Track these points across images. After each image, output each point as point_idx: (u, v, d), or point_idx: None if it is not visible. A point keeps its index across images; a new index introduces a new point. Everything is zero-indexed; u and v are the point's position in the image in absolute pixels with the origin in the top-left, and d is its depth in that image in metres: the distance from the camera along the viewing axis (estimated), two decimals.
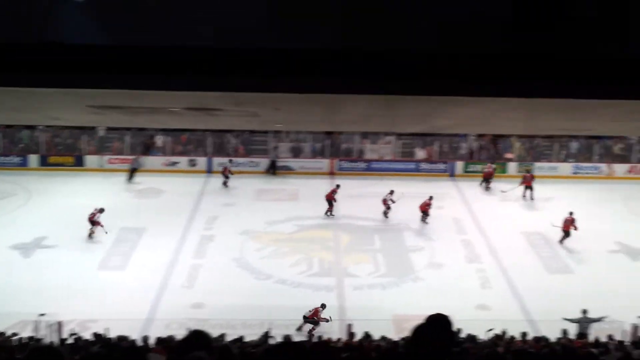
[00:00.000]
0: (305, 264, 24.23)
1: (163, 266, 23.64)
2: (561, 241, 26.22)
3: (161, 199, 30.60)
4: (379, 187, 31.55)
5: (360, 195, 31.35)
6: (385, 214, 28.67)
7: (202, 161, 35.14)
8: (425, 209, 28.25)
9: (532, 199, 31.17)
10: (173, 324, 19.11)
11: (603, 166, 34.74)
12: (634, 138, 34.06)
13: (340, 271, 23.78)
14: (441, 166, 35.17)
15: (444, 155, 35.74)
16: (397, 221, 28.25)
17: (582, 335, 18.66)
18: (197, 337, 4.93)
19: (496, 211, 29.19)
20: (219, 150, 35.73)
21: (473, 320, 18.48)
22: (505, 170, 34.83)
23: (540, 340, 16.90)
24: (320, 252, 25.34)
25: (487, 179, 32.86)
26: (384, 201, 28.77)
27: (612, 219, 28.54)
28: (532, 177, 31.75)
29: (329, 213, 28.99)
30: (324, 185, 32.41)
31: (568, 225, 26.26)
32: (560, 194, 31.58)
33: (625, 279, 23.21)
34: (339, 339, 16.97)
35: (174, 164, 35.10)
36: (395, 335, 18.04)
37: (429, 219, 28.11)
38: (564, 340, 17.18)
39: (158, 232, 26.44)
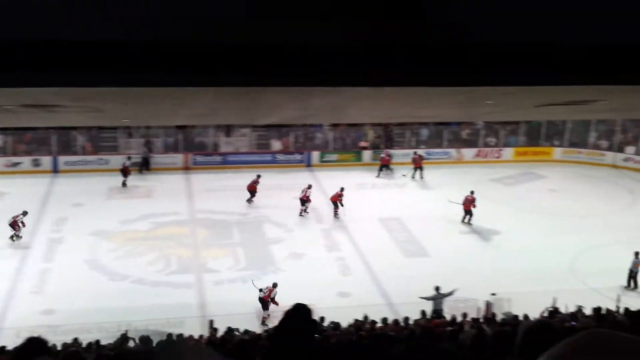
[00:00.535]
0: (163, 262, 23.50)
1: (9, 272, 22.22)
2: (463, 220, 27.22)
3: (3, 203, 28.70)
4: (235, 180, 31.17)
5: (217, 188, 30.85)
6: (335, 214, 28.14)
7: (46, 160, 33.35)
8: (336, 200, 28.12)
9: (421, 177, 32.56)
10: (23, 332, 17.93)
11: (452, 151, 35.99)
12: (480, 123, 35.50)
13: (199, 267, 23.23)
14: (297, 157, 35.22)
15: (300, 146, 35.83)
16: (257, 213, 27.99)
17: (437, 312, 19.18)
18: (32, 344, 4.50)
19: (354, 199, 29.49)
20: (64, 148, 34.04)
21: (335, 308, 18.64)
22: (361, 159, 35.35)
23: (399, 323, 17.23)
24: (178, 248, 24.66)
25: (385, 165, 33.62)
26: (305, 197, 28.39)
27: (462, 200, 29.52)
28: (421, 158, 33.01)
29: (250, 201, 28.94)
30: (179, 181, 31.66)
31: (468, 205, 27.21)
32: (413, 179, 32.44)
33: (478, 259, 24.09)
34: (200, 336, 16.55)
35: (16, 164, 33.10)
36: (259, 328, 17.83)
37: (341, 210, 27.97)
38: (422, 321, 17.54)
39: (1, 237, 24.79)
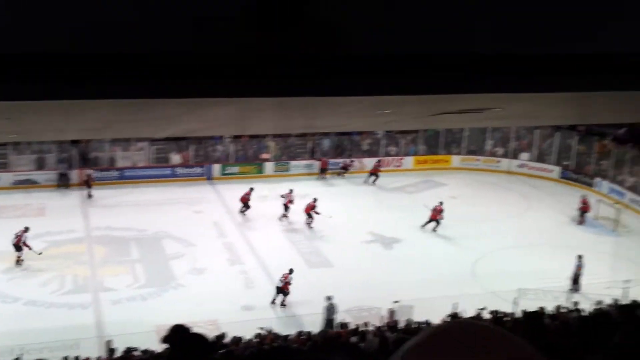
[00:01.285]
0: (57, 282, 22.54)
1: None
2: (424, 226, 27.68)
3: None
4: (134, 195, 30.39)
5: (115, 204, 29.94)
6: (308, 223, 28.01)
7: None
8: (309, 211, 27.83)
9: (373, 183, 33.48)
10: None
11: (354, 161, 36.19)
12: (380, 133, 35.87)
13: (96, 286, 22.40)
14: (198, 170, 34.60)
15: (201, 159, 35.20)
16: (156, 229, 27.26)
17: (329, 322, 19.13)
18: None
19: (256, 212, 29.19)
20: None
21: (239, 322, 18.30)
22: (262, 171, 35.11)
23: (302, 335, 17.11)
24: (74, 267, 23.71)
25: (374, 174, 34.22)
26: (289, 202, 28.48)
27: (364, 210, 29.70)
28: (379, 164, 34.28)
29: (243, 212, 28.85)
30: (75, 198, 30.56)
31: (436, 214, 27.62)
32: (316, 189, 32.35)
33: (381, 267, 24.22)
34: (98, 358, 15.92)
35: None
36: (159, 347, 17.28)
37: (313, 222, 27.84)
38: (324, 332, 17.47)
39: None
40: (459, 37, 3.15)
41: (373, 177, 34.15)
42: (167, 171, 34.29)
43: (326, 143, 36.62)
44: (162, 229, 27.19)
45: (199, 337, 4.76)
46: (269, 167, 35.37)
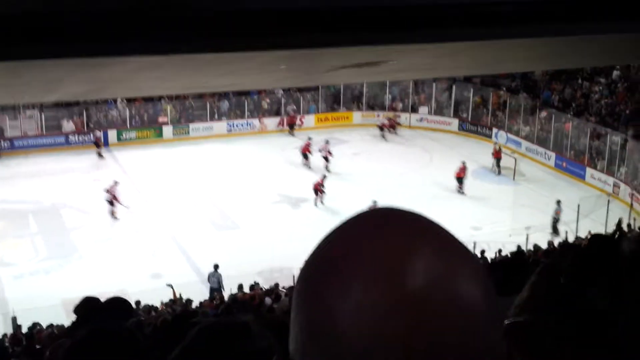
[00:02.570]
0: None
1: None
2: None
3: None
4: (27, 166, 29.06)
5: (7, 176, 28.48)
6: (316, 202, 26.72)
7: None
8: (317, 188, 26.64)
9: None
10: None
11: (255, 121, 35.73)
12: (280, 92, 35.47)
13: None
14: (92, 137, 33.24)
15: (95, 125, 33.82)
16: (53, 200, 26.11)
17: (214, 290, 18.86)
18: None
19: (163, 177, 28.41)
20: None
21: (148, 291, 17.80)
22: (161, 135, 34.17)
23: (214, 299, 16.90)
24: None
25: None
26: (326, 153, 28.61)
27: (270, 170, 29.40)
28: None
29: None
30: None
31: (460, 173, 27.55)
32: (218, 153, 31.80)
33: (290, 227, 24.07)
34: (4, 335, 15.22)
35: None
36: (67, 320, 16.61)
37: (324, 198, 26.63)
38: (239, 294, 17.29)
39: None
40: None
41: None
42: (60, 139, 32.84)
43: (225, 104, 35.94)
44: (59, 200, 26.08)
45: (118, 301, 4.45)
46: (167, 131, 34.44)
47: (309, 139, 29.56)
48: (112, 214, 24.93)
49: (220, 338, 2.72)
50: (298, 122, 35.86)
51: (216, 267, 19.35)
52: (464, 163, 27.79)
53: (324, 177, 27.28)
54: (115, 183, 25.43)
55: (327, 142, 29.31)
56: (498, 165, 29.97)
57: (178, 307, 16.00)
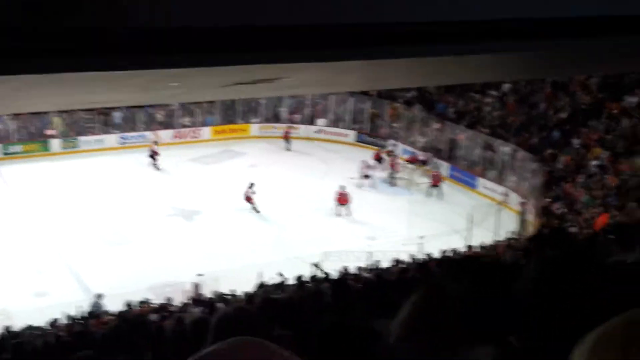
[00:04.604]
0: None
1: None
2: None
3: None
4: None
5: None
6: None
7: None
8: (249, 200, 26.16)
9: None
10: None
11: (149, 134, 34.81)
12: (175, 104, 34.70)
13: None
14: None
15: None
16: None
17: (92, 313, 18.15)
18: None
19: (48, 192, 27.26)
20: None
21: (31, 311, 16.91)
22: (49, 149, 32.84)
23: (100, 319, 16.14)
24: None
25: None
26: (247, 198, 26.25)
27: (161, 184, 28.68)
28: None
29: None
30: None
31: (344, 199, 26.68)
32: (110, 166, 30.78)
33: (182, 241, 23.49)
34: None
35: None
36: None
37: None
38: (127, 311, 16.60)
39: None
40: (244, 10, 3.17)
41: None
42: None
43: (117, 115, 34.88)
44: None
45: None
46: (55, 144, 33.12)
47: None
48: None
49: None
50: (193, 135, 35.23)
51: (99, 296, 18.38)
52: (342, 188, 27.29)
53: (252, 184, 26.83)
54: None
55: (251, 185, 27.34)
56: (393, 177, 30.22)
57: None
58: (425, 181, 29.66)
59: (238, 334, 1.17)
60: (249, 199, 26.48)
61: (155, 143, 31.91)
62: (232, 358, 1.11)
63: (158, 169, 30.71)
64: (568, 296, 2.70)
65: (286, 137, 34.77)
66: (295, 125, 35.62)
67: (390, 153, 32.07)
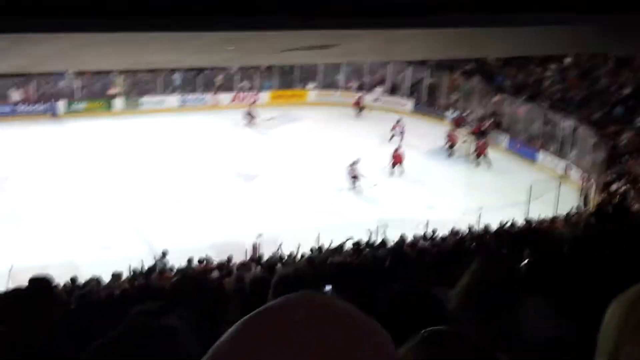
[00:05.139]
0: None
1: None
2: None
3: None
4: None
5: None
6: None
7: None
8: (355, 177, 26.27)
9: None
10: None
11: (208, 97, 35.18)
12: (234, 67, 34.95)
13: None
14: (41, 107, 32.39)
15: (45, 96, 32.90)
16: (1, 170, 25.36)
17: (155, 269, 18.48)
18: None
19: (112, 150, 27.83)
20: None
21: (97, 263, 17.39)
22: (111, 107, 33.45)
23: (163, 274, 16.49)
24: None
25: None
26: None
27: (221, 146, 28.98)
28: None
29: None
30: None
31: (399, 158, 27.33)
32: (170, 126, 31.21)
33: (243, 202, 23.83)
34: None
35: None
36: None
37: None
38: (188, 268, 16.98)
39: None
40: None
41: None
42: (7, 108, 31.89)
43: (177, 78, 35.30)
44: (6, 170, 25.31)
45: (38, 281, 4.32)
46: (118, 103, 33.72)
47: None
48: None
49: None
50: (252, 98, 35.47)
51: (164, 253, 18.75)
52: (400, 147, 28.01)
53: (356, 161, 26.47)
54: None
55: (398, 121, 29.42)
56: (451, 147, 30.10)
57: None
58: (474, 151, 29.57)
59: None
60: (354, 177, 26.14)
61: (252, 104, 32.36)
62: (297, 309, 1.10)
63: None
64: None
65: (358, 105, 34.75)
66: (360, 96, 35.45)
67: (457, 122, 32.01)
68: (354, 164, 25.64)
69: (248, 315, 1.13)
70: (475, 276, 2.94)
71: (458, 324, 2.74)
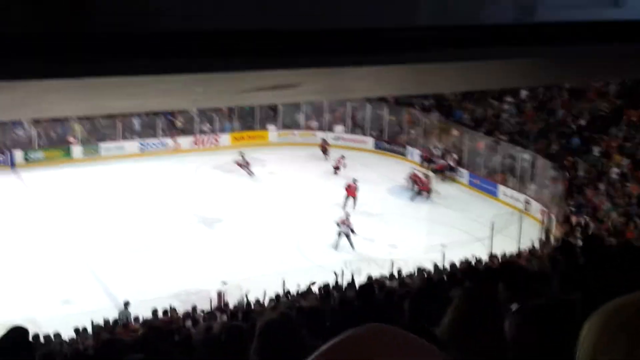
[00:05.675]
0: None
1: None
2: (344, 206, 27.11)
3: None
4: None
5: None
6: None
7: None
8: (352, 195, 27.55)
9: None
10: None
11: (169, 140, 35.01)
12: (194, 110, 34.87)
13: None
14: None
15: (1, 146, 32.44)
16: None
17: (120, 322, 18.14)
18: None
19: (70, 198, 27.44)
20: None
21: (58, 319, 17.03)
22: (70, 155, 33.09)
23: (128, 327, 16.22)
24: None
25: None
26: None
27: (182, 191, 28.77)
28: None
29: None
30: None
31: (352, 192, 27.48)
32: (130, 172, 30.96)
33: (204, 248, 23.60)
34: None
35: None
36: None
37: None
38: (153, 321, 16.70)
39: None
40: (263, 14, 3.12)
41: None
42: None
43: (137, 122, 35.08)
44: None
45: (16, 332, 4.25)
46: (76, 150, 33.37)
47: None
48: None
49: None
50: (213, 141, 35.38)
51: (126, 304, 18.42)
52: (354, 181, 28.11)
53: (355, 180, 27.90)
54: None
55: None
56: (414, 187, 30.13)
57: None
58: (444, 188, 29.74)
59: (283, 339, 1.26)
60: (351, 193, 27.51)
61: (242, 155, 31.86)
62: (371, 343, 1.14)
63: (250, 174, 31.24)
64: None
65: (324, 148, 34.56)
66: (324, 140, 35.32)
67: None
68: (346, 219, 24.62)
69: (320, 350, 1.17)
70: (460, 311, 3.00)
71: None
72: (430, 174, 30.84)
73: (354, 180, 27.91)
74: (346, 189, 27.74)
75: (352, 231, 23.98)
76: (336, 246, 24.01)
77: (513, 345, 2.89)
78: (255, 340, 3.37)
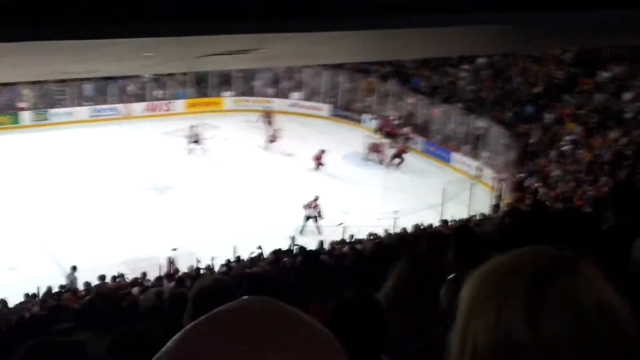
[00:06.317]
0: None
1: None
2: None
3: None
4: None
5: None
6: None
7: None
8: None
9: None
10: None
11: (120, 106, 34.36)
12: (147, 76, 34.24)
13: None
14: None
15: None
16: None
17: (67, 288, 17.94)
18: None
19: (19, 165, 26.87)
20: None
21: (4, 285, 16.69)
22: (18, 121, 32.30)
23: (75, 293, 15.98)
24: None
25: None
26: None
27: (134, 158, 28.27)
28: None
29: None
30: None
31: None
32: (80, 138, 30.35)
33: (156, 215, 23.28)
34: None
35: None
36: None
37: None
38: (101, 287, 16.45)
39: None
40: None
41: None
42: None
43: (89, 88, 34.33)
44: None
45: None
46: (26, 116, 32.58)
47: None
48: None
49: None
50: (166, 108, 34.85)
51: (74, 268, 18.15)
52: (322, 151, 28.12)
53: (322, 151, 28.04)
54: None
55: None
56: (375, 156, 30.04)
57: None
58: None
59: (216, 305, 1.11)
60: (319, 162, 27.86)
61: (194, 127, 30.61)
62: (248, 315, 1.06)
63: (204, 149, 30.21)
64: None
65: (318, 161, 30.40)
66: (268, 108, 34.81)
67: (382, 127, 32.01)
68: (314, 202, 23.46)
69: (198, 319, 1.08)
70: (400, 278, 3.00)
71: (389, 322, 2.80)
72: (385, 140, 30.77)
73: (322, 151, 27.96)
74: (315, 159, 27.92)
75: (320, 215, 23.24)
76: (302, 230, 22.91)
77: (445, 315, 2.82)
78: (189, 304, 3.40)
